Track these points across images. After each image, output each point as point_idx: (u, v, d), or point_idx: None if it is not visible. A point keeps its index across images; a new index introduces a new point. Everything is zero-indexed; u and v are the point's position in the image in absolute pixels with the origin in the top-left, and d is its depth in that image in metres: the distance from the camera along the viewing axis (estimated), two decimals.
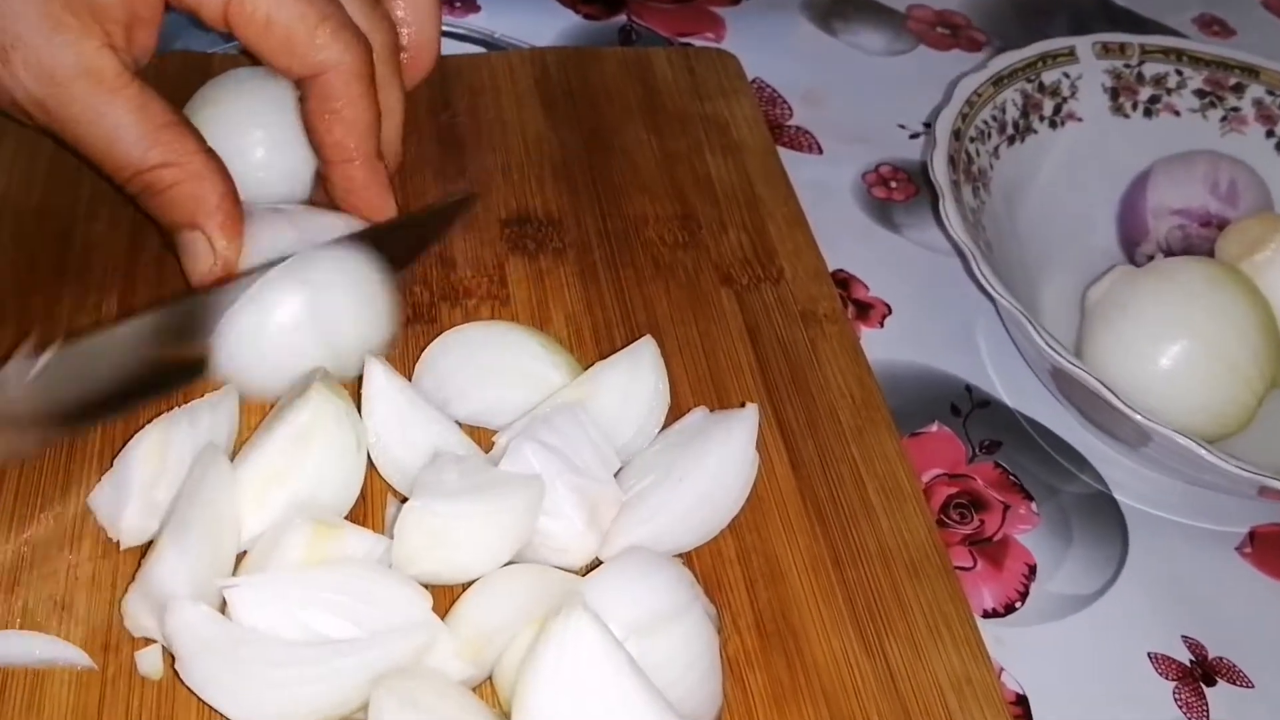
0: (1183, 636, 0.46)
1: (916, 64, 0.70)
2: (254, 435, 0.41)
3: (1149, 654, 0.45)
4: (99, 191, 0.49)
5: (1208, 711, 0.44)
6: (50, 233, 0.49)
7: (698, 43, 0.68)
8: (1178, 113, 0.60)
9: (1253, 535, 0.50)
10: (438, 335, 0.45)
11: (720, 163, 0.57)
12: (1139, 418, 0.44)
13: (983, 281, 0.47)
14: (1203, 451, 0.44)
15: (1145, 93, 0.60)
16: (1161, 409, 0.46)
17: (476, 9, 0.67)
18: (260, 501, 0.38)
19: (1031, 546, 0.48)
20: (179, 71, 0.51)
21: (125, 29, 0.42)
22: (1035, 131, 0.58)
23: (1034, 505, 0.49)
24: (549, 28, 0.68)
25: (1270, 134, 0.59)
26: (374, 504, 0.41)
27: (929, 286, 0.57)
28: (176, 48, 0.59)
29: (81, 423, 0.42)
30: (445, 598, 0.38)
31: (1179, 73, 0.60)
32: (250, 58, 0.45)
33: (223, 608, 0.35)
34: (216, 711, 0.35)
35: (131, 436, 0.40)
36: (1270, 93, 0.59)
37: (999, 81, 0.56)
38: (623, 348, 0.45)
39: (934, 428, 0.52)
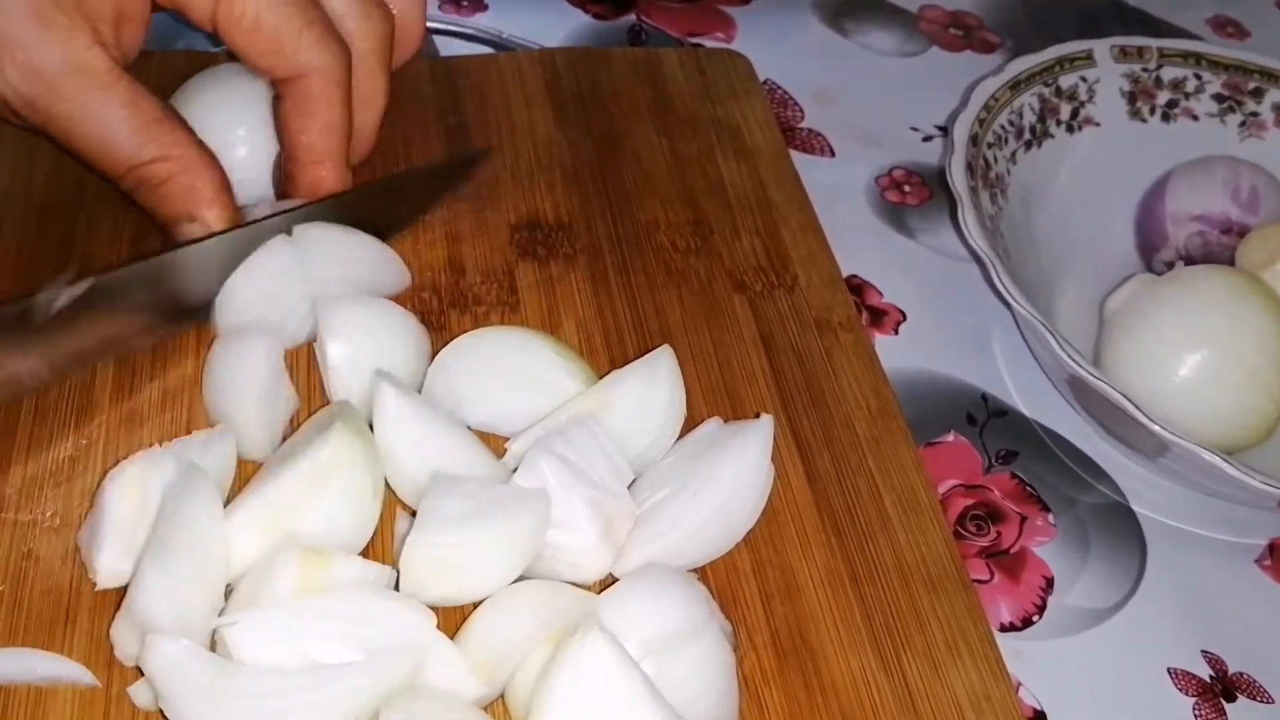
0: (1202, 651, 0.45)
1: (928, 65, 0.70)
2: (268, 463, 0.40)
3: (1169, 669, 0.45)
4: (101, 191, 0.48)
5: None
6: (52, 233, 0.48)
7: (708, 43, 0.67)
8: (1196, 117, 0.59)
9: (1272, 547, 0.49)
10: (447, 343, 0.44)
11: (733, 167, 0.56)
12: (1158, 428, 0.44)
13: (1002, 291, 0.47)
14: (1224, 464, 0.43)
15: (1163, 97, 0.59)
16: (1181, 419, 0.46)
17: (484, 8, 0.67)
18: (264, 534, 0.36)
19: (1049, 559, 0.47)
20: (184, 71, 0.50)
21: (113, 26, 0.42)
22: (1052, 136, 0.57)
23: (1051, 517, 0.49)
24: (557, 27, 0.67)
25: None
26: (385, 514, 0.40)
27: (943, 292, 0.57)
28: (179, 47, 0.58)
29: (95, 358, 0.43)
30: (457, 614, 0.37)
31: (1197, 76, 0.59)
32: (231, 56, 0.46)
33: (211, 639, 0.34)
34: None
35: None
36: None
37: (1016, 86, 0.56)
38: (635, 355, 0.44)
39: (950, 437, 0.51)
